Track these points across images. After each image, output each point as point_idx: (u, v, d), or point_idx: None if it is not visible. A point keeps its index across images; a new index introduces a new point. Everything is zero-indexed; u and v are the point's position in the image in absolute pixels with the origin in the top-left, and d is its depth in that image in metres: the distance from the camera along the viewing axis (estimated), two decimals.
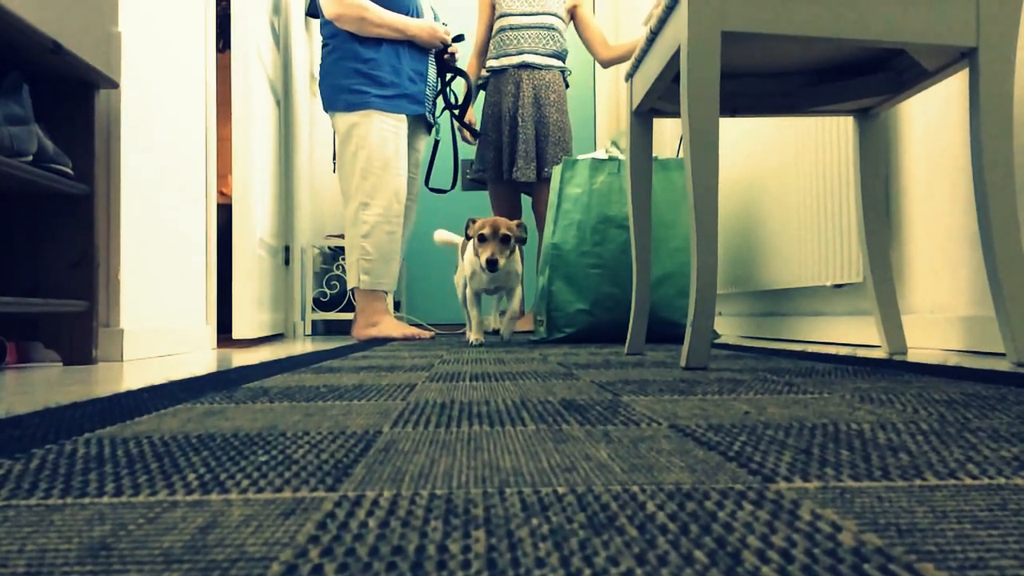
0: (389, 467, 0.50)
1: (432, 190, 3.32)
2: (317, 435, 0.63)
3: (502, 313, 2.99)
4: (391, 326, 2.93)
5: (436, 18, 3.22)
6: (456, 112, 3.29)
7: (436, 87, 3.18)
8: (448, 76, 3.22)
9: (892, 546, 0.32)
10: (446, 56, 3.15)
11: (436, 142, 3.28)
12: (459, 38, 3.19)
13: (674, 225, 2.59)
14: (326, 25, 2.98)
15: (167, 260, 2.16)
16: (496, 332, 2.56)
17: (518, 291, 2.56)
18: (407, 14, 2.99)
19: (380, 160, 2.89)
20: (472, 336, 2.48)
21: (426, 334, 3.04)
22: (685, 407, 0.79)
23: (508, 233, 2.27)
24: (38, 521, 0.39)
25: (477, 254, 2.34)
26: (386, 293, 3.01)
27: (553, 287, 2.55)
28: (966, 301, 1.74)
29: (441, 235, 3.03)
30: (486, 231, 2.27)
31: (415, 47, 3.02)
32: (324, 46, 3.02)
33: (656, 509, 0.39)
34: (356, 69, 2.91)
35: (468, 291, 2.52)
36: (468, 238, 2.40)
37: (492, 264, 2.23)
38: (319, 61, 3.09)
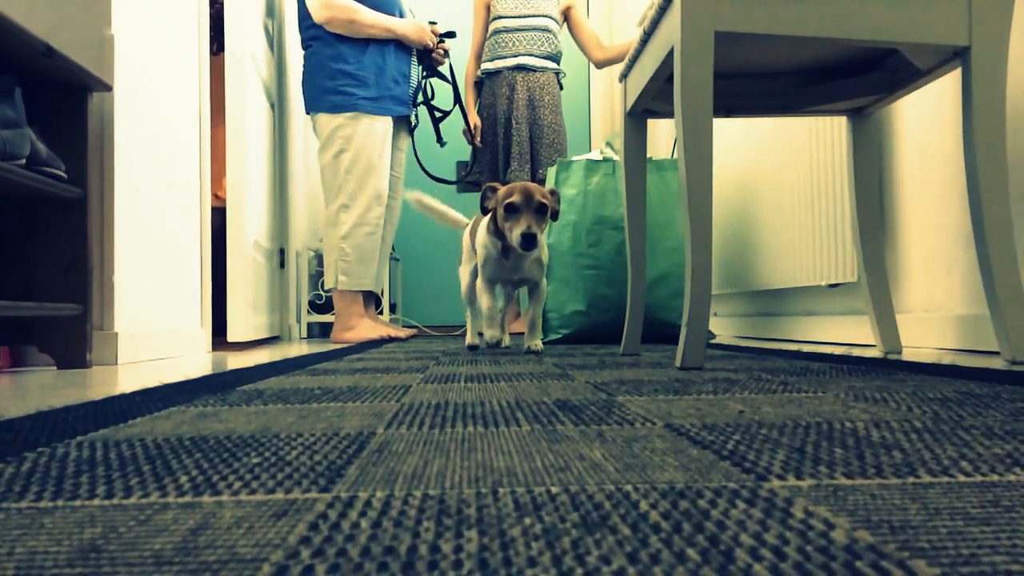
0: (382, 468, 0.50)
1: (436, 179, 3.34)
2: (311, 437, 0.63)
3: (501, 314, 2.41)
4: (367, 328, 2.94)
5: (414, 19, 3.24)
6: (439, 115, 3.31)
7: (419, 87, 3.19)
8: (429, 75, 3.25)
9: (884, 543, 0.32)
10: (435, 54, 3.16)
11: (415, 154, 3.32)
12: (451, 34, 3.20)
13: (669, 226, 2.60)
14: (307, 29, 2.99)
15: (161, 263, 2.15)
16: (497, 343, 1.93)
17: (543, 286, 2.01)
18: (392, 15, 3.01)
19: (364, 162, 2.90)
20: (487, 332, 1.91)
21: (402, 333, 3.05)
22: (680, 407, 0.79)
23: (544, 202, 1.72)
24: (29, 523, 0.38)
25: (499, 232, 1.80)
26: (376, 295, 3.01)
27: (549, 288, 2.55)
28: (960, 300, 1.74)
29: (420, 198, 2.34)
30: (516, 199, 1.71)
31: (400, 48, 3.04)
32: (307, 47, 3.03)
33: (649, 508, 0.39)
34: (341, 71, 2.92)
35: (480, 282, 1.96)
36: (485, 211, 1.85)
37: (529, 241, 1.68)
38: None
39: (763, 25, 1.30)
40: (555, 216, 1.81)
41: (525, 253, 1.76)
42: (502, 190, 1.77)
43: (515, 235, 1.70)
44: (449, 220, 2.37)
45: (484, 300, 1.93)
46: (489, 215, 1.84)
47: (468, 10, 3.57)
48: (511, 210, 1.72)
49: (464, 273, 2.16)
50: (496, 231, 1.81)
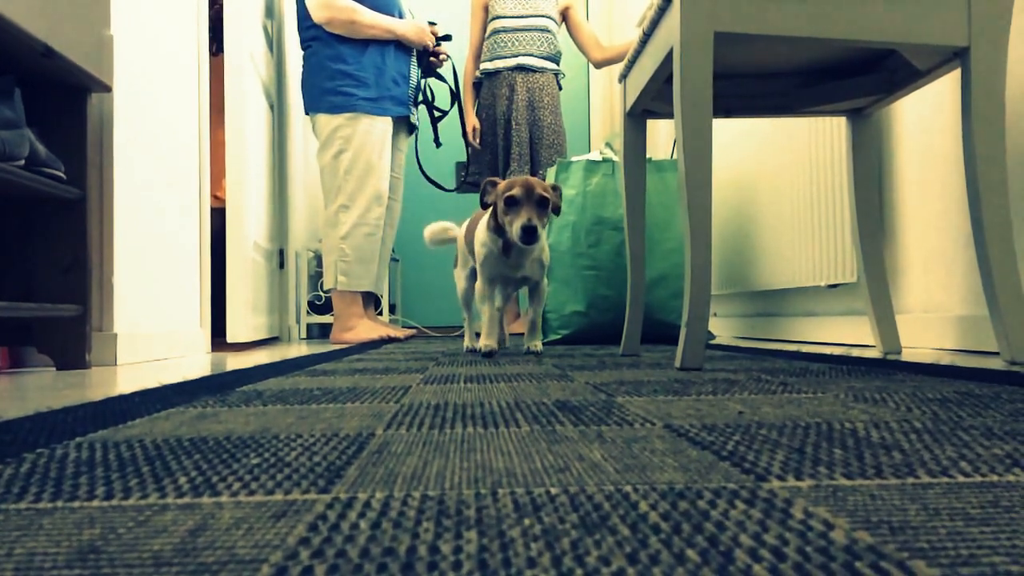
0: (382, 469, 0.50)
1: (435, 184, 3.35)
2: (310, 437, 0.63)
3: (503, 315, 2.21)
4: (367, 329, 2.94)
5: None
6: (438, 115, 3.32)
7: (418, 87, 3.19)
8: (427, 76, 3.26)
9: (884, 544, 0.32)
10: (433, 59, 3.17)
11: (416, 156, 3.33)
12: (447, 38, 3.20)
13: (668, 226, 2.60)
14: (307, 29, 2.98)
15: (161, 264, 2.15)
16: (491, 354, 1.80)
17: (544, 285, 1.94)
18: (391, 15, 3.01)
19: (364, 163, 2.90)
20: (483, 340, 1.83)
21: (401, 334, 3.05)
22: (679, 407, 0.79)
23: (545, 195, 1.65)
24: (27, 524, 0.38)
25: (499, 227, 1.74)
26: (376, 296, 3.01)
27: (548, 289, 2.55)
28: (960, 300, 1.74)
29: (433, 234, 2.26)
30: (516, 192, 1.64)
31: (400, 49, 3.04)
32: (306, 48, 3.02)
33: (649, 509, 0.39)
34: (341, 71, 2.92)
35: (479, 282, 1.87)
36: (485, 206, 1.78)
37: (529, 233, 1.61)
38: None
39: (762, 26, 1.30)
40: (557, 211, 1.74)
41: (526, 248, 1.71)
42: (502, 184, 1.71)
43: (515, 228, 1.63)
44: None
45: (484, 308, 1.87)
46: (489, 213, 1.79)
47: (467, 10, 3.57)
48: (511, 203, 1.66)
49: (460, 276, 2.11)
50: (496, 227, 1.75)
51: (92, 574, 0.31)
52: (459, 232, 2.15)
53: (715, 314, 3.28)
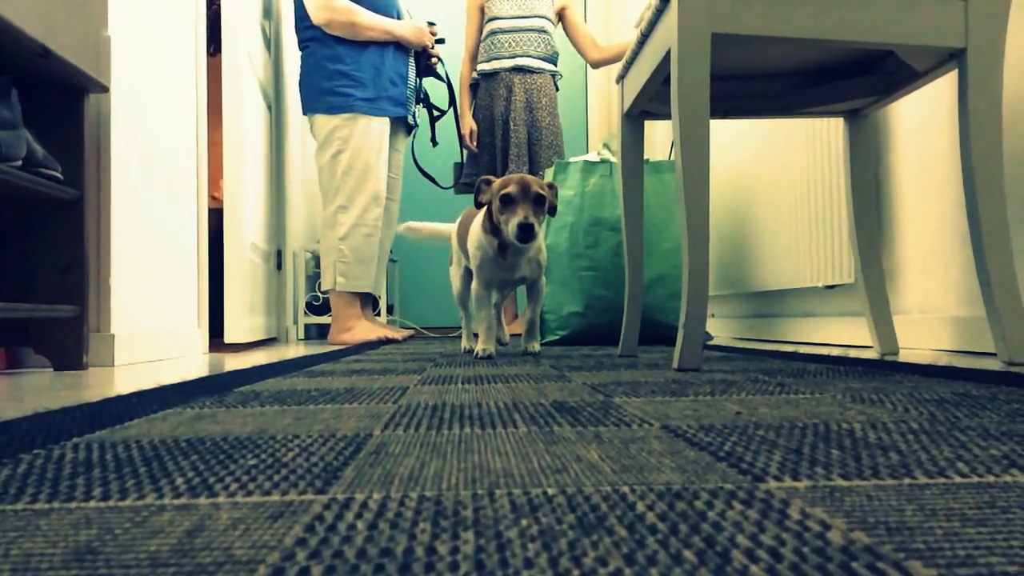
0: (379, 470, 0.50)
1: (434, 182, 3.36)
2: (307, 438, 0.63)
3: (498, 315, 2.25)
4: (365, 330, 2.94)
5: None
6: (436, 114, 3.33)
7: (416, 87, 3.20)
8: (424, 75, 3.27)
9: (881, 544, 0.32)
10: (431, 61, 3.17)
11: (413, 156, 3.35)
12: (440, 41, 3.21)
13: (666, 227, 2.60)
14: (304, 30, 2.98)
15: (158, 264, 2.15)
16: (490, 356, 1.77)
17: (542, 284, 1.91)
18: (389, 16, 3.01)
19: (362, 163, 2.90)
20: (480, 344, 1.81)
21: (399, 335, 3.05)
22: (677, 408, 0.79)
23: (541, 193, 1.62)
24: (24, 525, 0.38)
25: (494, 227, 1.70)
26: (374, 296, 3.01)
27: (546, 289, 2.55)
28: (957, 301, 1.75)
29: (410, 226, 2.37)
30: (512, 190, 1.60)
31: (398, 49, 3.04)
32: (304, 48, 3.02)
33: (646, 509, 0.39)
34: (339, 71, 2.92)
35: (475, 286, 1.84)
36: (480, 205, 1.74)
37: (526, 231, 1.57)
38: None
39: (759, 27, 1.31)
40: (552, 211, 1.70)
41: (523, 247, 1.66)
42: (497, 182, 1.67)
43: (511, 226, 1.59)
44: (442, 235, 2.31)
45: (482, 313, 1.84)
46: (483, 213, 1.75)
47: (464, 11, 3.57)
48: (507, 201, 1.61)
49: (455, 274, 2.07)
50: (492, 227, 1.70)
51: (89, 575, 0.31)
52: (452, 230, 2.13)
53: (713, 315, 3.28)
